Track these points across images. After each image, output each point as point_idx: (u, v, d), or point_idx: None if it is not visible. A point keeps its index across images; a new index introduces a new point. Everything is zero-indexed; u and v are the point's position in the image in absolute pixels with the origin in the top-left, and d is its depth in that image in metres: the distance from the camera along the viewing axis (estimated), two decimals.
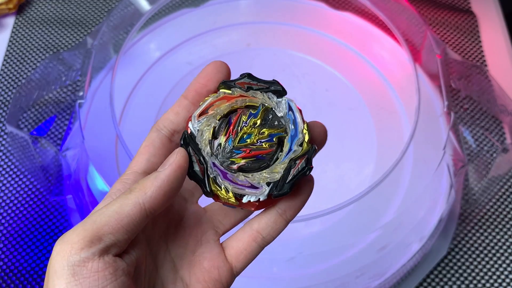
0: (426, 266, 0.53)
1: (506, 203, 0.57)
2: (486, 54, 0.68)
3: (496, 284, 0.52)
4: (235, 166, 0.30)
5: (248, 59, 0.64)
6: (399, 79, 0.62)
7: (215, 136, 0.30)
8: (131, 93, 0.61)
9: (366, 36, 0.66)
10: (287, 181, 0.29)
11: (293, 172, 0.29)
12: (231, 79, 0.31)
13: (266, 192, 0.29)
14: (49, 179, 0.56)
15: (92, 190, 0.52)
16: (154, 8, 0.60)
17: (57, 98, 0.63)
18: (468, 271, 0.53)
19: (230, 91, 0.31)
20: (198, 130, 0.30)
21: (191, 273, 0.30)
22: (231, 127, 0.30)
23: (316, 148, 0.30)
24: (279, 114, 0.30)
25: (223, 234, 0.32)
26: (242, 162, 0.30)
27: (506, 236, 0.55)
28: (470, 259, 0.53)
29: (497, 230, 0.55)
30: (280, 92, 0.31)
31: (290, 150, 0.30)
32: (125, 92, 0.61)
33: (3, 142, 0.60)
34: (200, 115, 0.30)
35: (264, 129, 0.30)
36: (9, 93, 0.64)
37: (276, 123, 0.30)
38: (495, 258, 0.53)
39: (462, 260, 0.53)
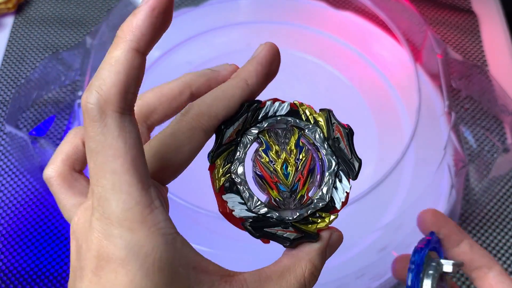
0: None
1: (507, 203, 0.57)
2: (486, 54, 0.68)
3: None
4: (305, 199, 0.26)
5: (248, 59, 0.64)
6: (400, 79, 0.61)
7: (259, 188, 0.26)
8: None
9: (367, 36, 0.66)
10: (349, 158, 0.25)
11: (345, 145, 0.25)
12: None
13: (348, 184, 0.25)
14: None
15: None
16: None
17: (57, 98, 0.63)
18: None
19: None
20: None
21: None
22: (269, 181, 0.26)
23: (330, 110, 0.26)
24: (281, 126, 0.27)
25: None
26: (307, 187, 0.26)
27: (507, 237, 0.54)
28: None
29: (497, 230, 0.55)
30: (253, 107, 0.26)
31: (315, 138, 0.26)
32: None
33: (2, 142, 0.60)
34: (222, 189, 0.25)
35: (287, 148, 0.26)
36: (8, 93, 0.64)
37: (284, 129, 0.27)
38: (495, 258, 0.53)
39: None
